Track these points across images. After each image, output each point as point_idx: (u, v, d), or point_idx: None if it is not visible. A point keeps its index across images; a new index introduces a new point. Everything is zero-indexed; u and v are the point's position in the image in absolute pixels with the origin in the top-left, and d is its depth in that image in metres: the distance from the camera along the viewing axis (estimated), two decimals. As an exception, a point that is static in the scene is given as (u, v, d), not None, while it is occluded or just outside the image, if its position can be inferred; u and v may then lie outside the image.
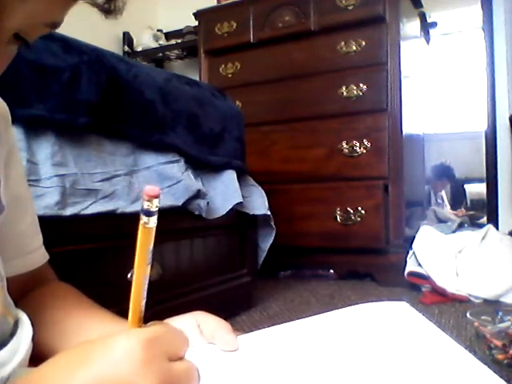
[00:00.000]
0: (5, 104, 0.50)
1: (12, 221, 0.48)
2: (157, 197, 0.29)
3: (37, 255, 0.53)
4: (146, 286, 0.33)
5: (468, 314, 1.02)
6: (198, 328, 0.41)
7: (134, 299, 0.33)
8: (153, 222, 0.30)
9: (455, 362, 0.35)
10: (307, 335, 0.41)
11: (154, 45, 3.05)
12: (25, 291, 0.51)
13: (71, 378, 0.28)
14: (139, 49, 3.06)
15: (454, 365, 0.35)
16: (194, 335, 0.40)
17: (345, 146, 2.02)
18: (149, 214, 0.30)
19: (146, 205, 0.29)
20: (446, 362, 0.35)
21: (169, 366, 0.30)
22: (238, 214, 1.43)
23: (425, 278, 1.71)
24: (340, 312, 0.44)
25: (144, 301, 0.33)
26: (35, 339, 0.42)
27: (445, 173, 3.78)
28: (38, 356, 0.43)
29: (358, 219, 1.95)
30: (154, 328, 0.33)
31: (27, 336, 0.41)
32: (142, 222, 0.30)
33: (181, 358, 0.33)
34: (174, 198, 1.14)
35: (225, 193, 1.36)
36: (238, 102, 2.08)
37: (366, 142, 1.97)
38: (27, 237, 0.52)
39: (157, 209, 0.30)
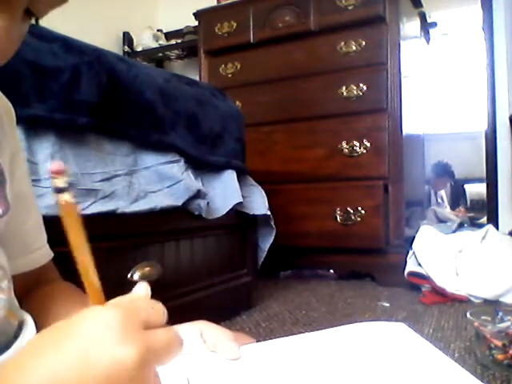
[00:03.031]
0: (10, 104, 0.50)
1: (16, 219, 0.48)
2: (61, 172, 0.28)
3: (40, 254, 0.54)
4: (93, 262, 0.32)
5: (468, 314, 1.02)
6: (200, 336, 0.41)
7: (86, 279, 0.32)
8: (67, 197, 0.29)
9: (454, 383, 0.35)
10: (306, 351, 0.42)
11: (154, 45, 3.05)
12: (27, 289, 0.51)
13: (59, 351, 0.28)
14: (139, 49, 3.06)
15: None
16: (196, 344, 0.40)
17: (345, 145, 2.02)
18: (59, 190, 0.29)
19: (54, 182, 0.29)
20: (444, 382, 0.35)
21: (147, 334, 0.30)
22: (237, 214, 1.43)
23: (425, 277, 1.71)
24: (339, 330, 0.45)
25: (96, 276, 0.32)
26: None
27: (444, 171, 3.77)
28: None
29: (358, 219, 1.95)
30: (128, 298, 0.33)
31: (31, 338, 0.41)
32: (58, 201, 0.29)
33: (161, 326, 0.32)
34: (173, 198, 1.14)
35: (225, 193, 1.36)
36: (238, 102, 2.09)
37: (365, 142, 1.97)
38: (31, 235, 0.53)
39: (67, 185, 0.29)
